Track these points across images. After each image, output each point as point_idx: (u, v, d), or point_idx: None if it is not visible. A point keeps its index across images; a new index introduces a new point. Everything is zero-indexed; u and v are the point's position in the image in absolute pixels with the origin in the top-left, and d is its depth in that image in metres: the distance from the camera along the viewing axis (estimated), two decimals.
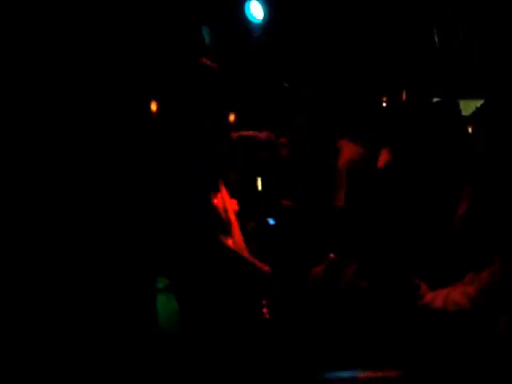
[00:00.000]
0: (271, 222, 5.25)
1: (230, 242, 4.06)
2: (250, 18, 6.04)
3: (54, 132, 2.08)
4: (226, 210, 4.10)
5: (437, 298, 3.31)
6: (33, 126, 2.09)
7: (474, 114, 4.33)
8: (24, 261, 2.29)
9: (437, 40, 6.26)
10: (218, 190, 4.05)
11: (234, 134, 5.53)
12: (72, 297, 2.50)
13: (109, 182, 2.17)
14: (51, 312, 2.45)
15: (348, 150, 4.45)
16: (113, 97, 2.13)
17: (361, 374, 3.26)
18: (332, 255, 4.38)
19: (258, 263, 4.23)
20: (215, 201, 4.05)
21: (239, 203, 5.08)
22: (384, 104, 5.81)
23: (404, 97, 5.63)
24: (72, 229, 2.21)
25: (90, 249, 2.30)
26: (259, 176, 5.53)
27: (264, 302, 3.84)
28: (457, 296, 3.23)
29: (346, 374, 3.31)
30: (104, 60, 2.07)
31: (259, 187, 5.53)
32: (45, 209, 2.12)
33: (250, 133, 5.81)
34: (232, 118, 6.25)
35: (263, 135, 5.73)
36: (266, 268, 4.24)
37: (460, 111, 4.67)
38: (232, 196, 4.97)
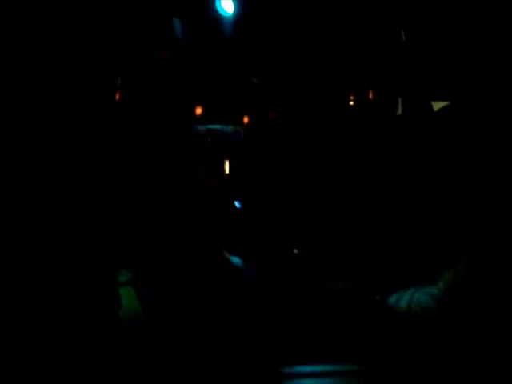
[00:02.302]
0: (238, 205, 5.22)
1: None
2: (220, 11, 6.03)
3: (53, 132, 2.07)
4: None
5: (401, 299, 3.33)
6: (31, 125, 2.07)
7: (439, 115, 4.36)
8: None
9: (404, 39, 6.31)
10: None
11: (201, 128, 5.53)
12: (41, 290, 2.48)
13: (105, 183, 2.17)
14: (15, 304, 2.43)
15: None
16: (108, 97, 2.13)
17: (324, 368, 3.28)
18: (296, 251, 4.40)
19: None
20: None
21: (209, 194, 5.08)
22: (351, 102, 5.84)
23: (371, 95, 5.66)
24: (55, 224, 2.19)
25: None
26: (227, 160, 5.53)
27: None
28: (421, 297, 3.26)
29: (309, 369, 3.33)
30: (103, 60, 2.07)
31: (226, 171, 5.52)
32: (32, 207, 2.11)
33: (218, 127, 5.81)
34: (199, 111, 6.25)
35: (231, 129, 5.74)
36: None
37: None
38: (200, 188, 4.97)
